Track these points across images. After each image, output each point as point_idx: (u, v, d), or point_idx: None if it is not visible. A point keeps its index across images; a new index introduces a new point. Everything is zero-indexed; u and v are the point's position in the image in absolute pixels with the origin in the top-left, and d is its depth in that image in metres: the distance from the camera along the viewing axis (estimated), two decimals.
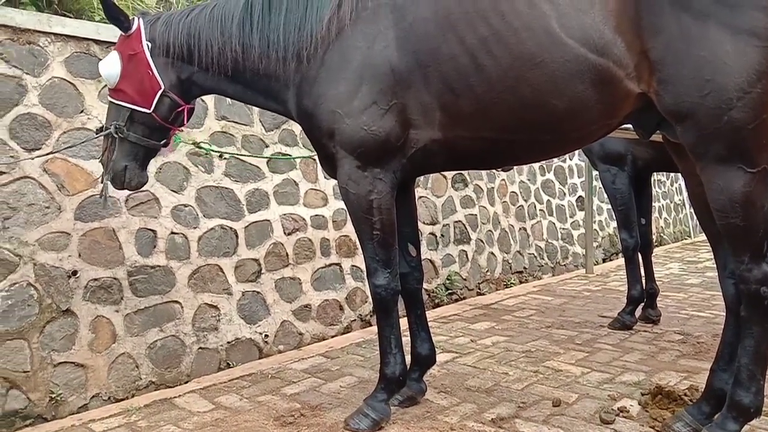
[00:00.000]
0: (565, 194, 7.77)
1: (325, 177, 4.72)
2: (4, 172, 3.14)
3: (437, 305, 5.36)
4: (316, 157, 4.35)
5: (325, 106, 2.57)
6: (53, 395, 3.08)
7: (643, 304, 4.56)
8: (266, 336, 4.07)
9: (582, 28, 2.21)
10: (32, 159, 3.21)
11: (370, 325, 4.64)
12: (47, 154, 3.25)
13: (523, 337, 4.21)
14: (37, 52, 3.38)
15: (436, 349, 3.08)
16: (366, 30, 2.52)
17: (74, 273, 3.27)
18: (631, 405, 2.90)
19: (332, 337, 4.44)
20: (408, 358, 2.92)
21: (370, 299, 4.70)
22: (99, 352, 3.29)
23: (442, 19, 2.42)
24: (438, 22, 2.42)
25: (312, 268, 4.52)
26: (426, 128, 2.53)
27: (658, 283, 4.74)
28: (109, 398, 3.27)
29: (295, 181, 4.59)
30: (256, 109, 4.38)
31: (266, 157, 4.37)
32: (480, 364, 3.62)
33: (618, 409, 2.85)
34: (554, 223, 7.43)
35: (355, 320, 4.68)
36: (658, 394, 2.92)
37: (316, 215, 4.65)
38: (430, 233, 5.54)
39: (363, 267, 4.72)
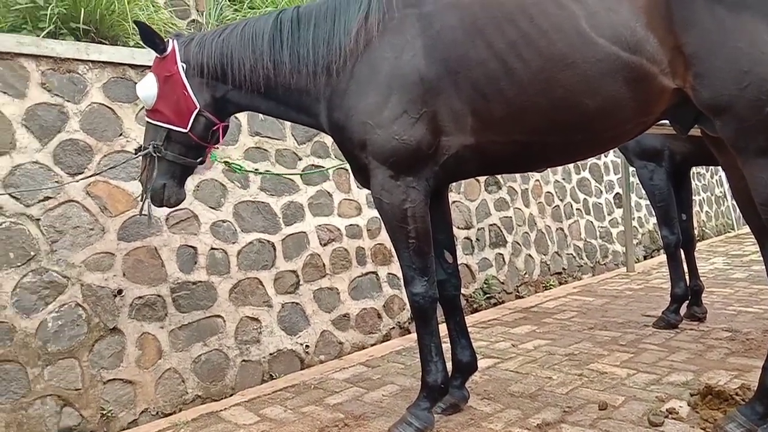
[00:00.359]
0: (601, 192, 7.65)
1: (357, 187, 4.75)
2: (51, 197, 3.26)
3: (476, 310, 5.33)
4: (349, 168, 4.42)
5: (356, 117, 2.59)
6: (104, 411, 3.16)
7: (688, 301, 4.45)
8: (307, 347, 4.11)
9: (612, 26, 2.19)
10: (76, 182, 3.32)
11: (409, 333, 4.64)
12: (89, 176, 3.35)
13: (566, 340, 4.16)
14: (76, 79, 3.50)
15: (477, 355, 3.07)
16: (393, 40, 2.53)
17: (119, 292, 3.36)
18: (680, 406, 2.84)
19: (372, 345, 4.45)
20: (449, 365, 2.91)
21: (407, 306, 4.71)
22: (146, 368, 3.37)
23: (469, 25, 2.42)
24: (465, 28, 2.43)
25: (349, 278, 4.55)
26: (457, 134, 2.53)
27: (702, 279, 4.62)
28: (157, 413, 3.34)
29: (328, 192, 4.64)
30: (287, 124, 4.44)
31: (299, 173, 4.43)
32: (522, 368, 3.58)
33: (667, 410, 2.79)
34: (592, 222, 7.32)
35: (393, 328, 4.69)
36: (708, 394, 2.85)
37: (351, 225, 4.68)
38: (465, 238, 5.52)
39: (399, 274, 4.75)
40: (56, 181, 3.28)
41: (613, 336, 4.19)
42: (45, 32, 3.63)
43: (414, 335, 4.35)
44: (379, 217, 4.63)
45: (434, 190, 2.73)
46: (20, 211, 3.15)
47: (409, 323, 4.71)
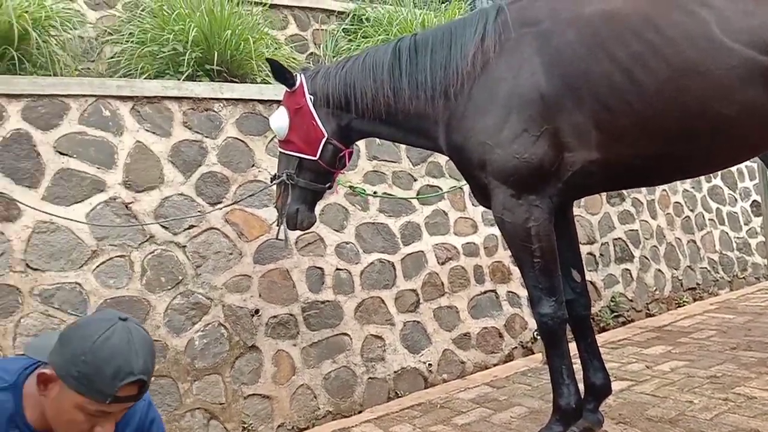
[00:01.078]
0: (736, 200, 7.09)
1: (472, 204, 4.75)
2: (194, 225, 3.56)
3: (603, 330, 5.10)
4: (463, 186, 4.44)
5: (474, 138, 2.61)
6: (245, 425, 3.38)
7: None
8: (430, 365, 4.14)
9: (749, 30, 2.07)
10: (219, 209, 3.61)
11: (532, 353, 4.54)
12: (228, 205, 3.64)
13: (706, 361, 3.88)
14: (213, 117, 3.82)
15: (610, 377, 2.95)
16: (511, 60, 2.54)
17: (257, 311, 3.59)
18: None
19: (494, 365, 4.40)
20: (581, 387, 2.83)
21: (529, 326, 4.62)
22: (281, 384, 3.57)
23: (590, 39, 2.39)
24: (586, 42, 2.39)
25: (468, 296, 4.54)
26: (581, 150, 2.48)
27: None
28: (292, 428, 3.52)
29: (444, 212, 4.68)
30: (403, 147, 4.55)
31: (416, 197, 4.51)
32: (659, 392, 3.39)
33: None
34: (727, 233, 6.79)
35: (516, 348, 4.61)
36: None
37: (468, 243, 4.68)
38: (588, 253, 5.32)
39: (519, 292, 4.68)
40: (199, 211, 3.59)
41: (760, 357, 3.85)
42: (184, 76, 4.00)
43: (538, 356, 4.27)
44: (496, 234, 4.62)
45: (559, 207, 2.68)
46: (169, 239, 3.47)
47: (532, 343, 4.62)
